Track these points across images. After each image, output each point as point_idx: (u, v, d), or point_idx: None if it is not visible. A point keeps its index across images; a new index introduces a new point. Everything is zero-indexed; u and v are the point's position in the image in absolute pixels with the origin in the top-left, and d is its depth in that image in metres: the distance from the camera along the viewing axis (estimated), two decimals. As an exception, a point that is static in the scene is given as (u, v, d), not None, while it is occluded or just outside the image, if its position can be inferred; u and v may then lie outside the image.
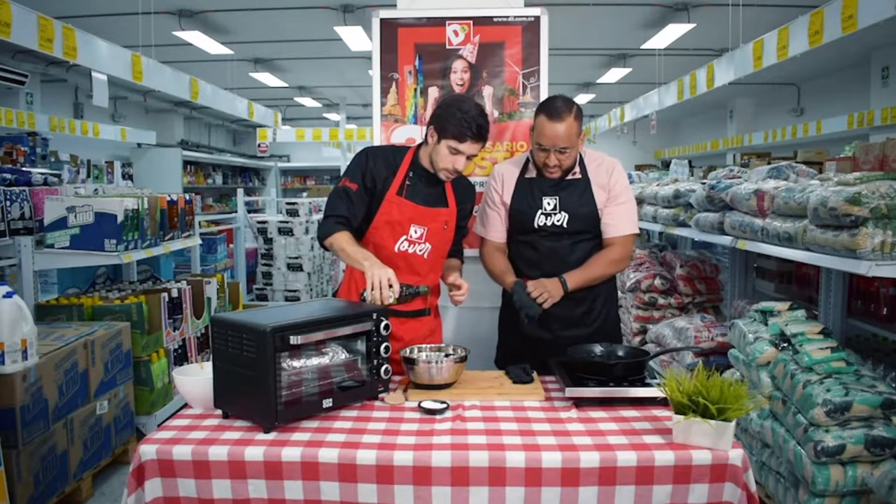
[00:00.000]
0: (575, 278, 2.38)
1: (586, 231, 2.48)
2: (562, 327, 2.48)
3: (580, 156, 2.49)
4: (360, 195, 2.35)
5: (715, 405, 1.66)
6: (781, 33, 5.39)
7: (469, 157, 2.33)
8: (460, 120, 2.26)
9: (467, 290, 2.39)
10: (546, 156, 2.39)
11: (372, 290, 2.11)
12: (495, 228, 2.58)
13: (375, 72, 3.07)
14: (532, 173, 2.52)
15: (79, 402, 3.23)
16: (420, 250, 2.38)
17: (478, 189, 3.06)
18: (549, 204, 2.46)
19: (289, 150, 17.92)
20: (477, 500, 1.64)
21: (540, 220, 2.47)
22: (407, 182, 2.38)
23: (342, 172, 2.46)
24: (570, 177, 2.48)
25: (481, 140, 2.30)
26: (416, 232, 2.37)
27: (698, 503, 1.65)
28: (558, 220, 2.45)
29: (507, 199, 2.53)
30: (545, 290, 2.31)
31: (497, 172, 2.60)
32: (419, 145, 2.44)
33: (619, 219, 2.47)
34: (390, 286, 2.11)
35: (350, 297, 2.46)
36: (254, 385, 1.78)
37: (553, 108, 2.35)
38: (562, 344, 2.40)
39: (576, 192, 2.46)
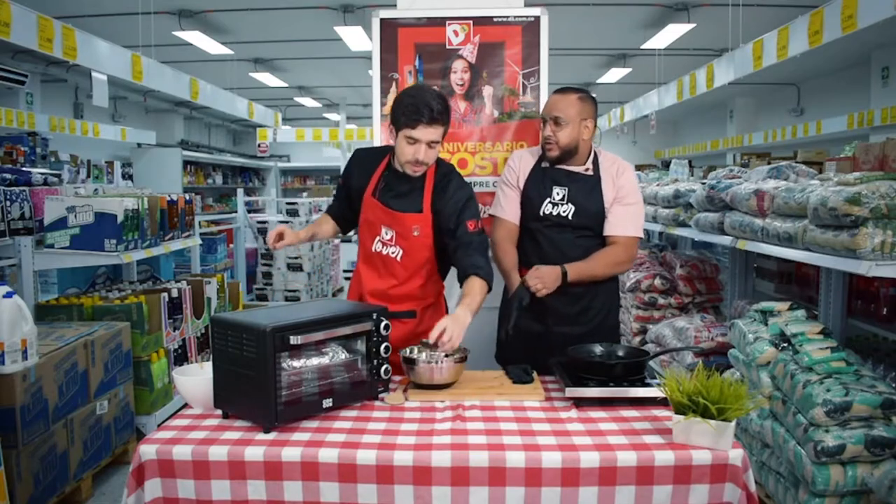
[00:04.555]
0: (576, 269, 2.38)
1: (590, 227, 2.49)
2: (556, 322, 2.49)
3: (594, 154, 2.53)
4: (340, 190, 2.55)
5: (715, 405, 1.66)
6: (781, 33, 5.39)
7: (430, 145, 2.23)
8: (408, 106, 2.19)
9: (452, 339, 2.03)
10: (545, 127, 2.47)
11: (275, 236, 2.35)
12: (509, 208, 2.57)
13: (375, 72, 3.07)
14: (546, 163, 2.55)
15: (79, 402, 3.23)
16: (392, 252, 2.37)
17: (478, 189, 3.06)
18: (557, 194, 2.49)
19: (289, 150, 17.93)
20: (477, 500, 1.64)
21: (546, 209, 2.49)
22: (381, 184, 2.39)
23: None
24: (581, 171, 2.50)
25: (436, 123, 2.20)
26: (386, 234, 2.38)
27: (698, 503, 1.65)
28: (564, 211, 2.48)
29: (521, 184, 2.56)
30: (540, 281, 2.31)
31: (516, 156, 2.64)
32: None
33: (624, 219, 2.48)
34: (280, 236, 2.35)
35: (355, 296, 2.50)
36: (254, 385, 1.78)
37: (564, 88, 2.50)
38: (554, 339, 2.43)
39: (585, 186, 2.49)
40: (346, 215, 2.57)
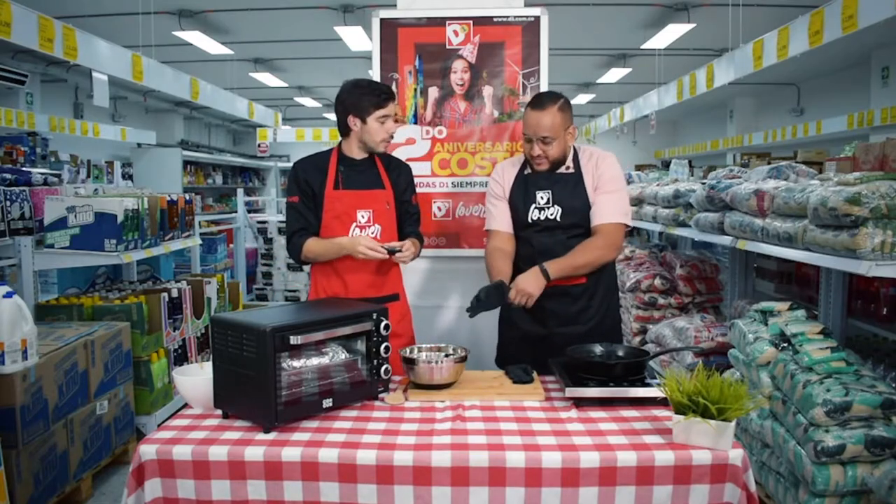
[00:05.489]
0: (557, 266, 2.35)
1: (579, 225, 2.47)
2: (557, 324, 2.48)
3: (574, 151, 2.51)
4: (305, 203, 2.52)
5: (715, 405, 1.66)
6: (781, 33, 5.39)
7: (393, 118, 2.52)
8: (371, 91, 2.46)
9: (411, 250, 2.44)
10: (531, 146, 2.44)
11: (371, 252, 2.34)
12: (498, 218, 2.56)
13: (375, 72, 3.07)
14: (529, 170, 2.53)
15: (79, 402, 3.23)
16: (372, 233, 2.51)
17: (478, 189, 3.06)
18: (542, 198, 2.47)
19: (289, 150, 17.91)
20: (477, 501, 1.64)
21: (534, 215, 2.48)
22: (340, 177, 2.52)
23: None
24: (562, 170, 2.49)
25: (393, 97, 2.52)
26: (363, 217, 2.50)
27: (698, 503, 1.65)
28: (551, 214, 2.46)
29: (507, 194, 2.55)
30: (523, 294, 2.30)
31: (499, 168, 2.63)
32: (340, 142, 2.58)
33: (605, 206, 2.44)
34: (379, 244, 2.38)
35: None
36: (254, 385, 1.78)
37: (537, 99, 2.45)
38: (557, 341, 2.41)
39: (568, 185, 2.47)
40: (316, 224, 2.55)
